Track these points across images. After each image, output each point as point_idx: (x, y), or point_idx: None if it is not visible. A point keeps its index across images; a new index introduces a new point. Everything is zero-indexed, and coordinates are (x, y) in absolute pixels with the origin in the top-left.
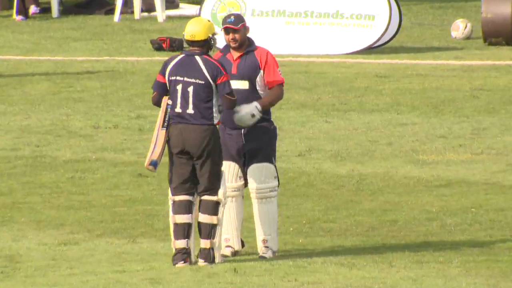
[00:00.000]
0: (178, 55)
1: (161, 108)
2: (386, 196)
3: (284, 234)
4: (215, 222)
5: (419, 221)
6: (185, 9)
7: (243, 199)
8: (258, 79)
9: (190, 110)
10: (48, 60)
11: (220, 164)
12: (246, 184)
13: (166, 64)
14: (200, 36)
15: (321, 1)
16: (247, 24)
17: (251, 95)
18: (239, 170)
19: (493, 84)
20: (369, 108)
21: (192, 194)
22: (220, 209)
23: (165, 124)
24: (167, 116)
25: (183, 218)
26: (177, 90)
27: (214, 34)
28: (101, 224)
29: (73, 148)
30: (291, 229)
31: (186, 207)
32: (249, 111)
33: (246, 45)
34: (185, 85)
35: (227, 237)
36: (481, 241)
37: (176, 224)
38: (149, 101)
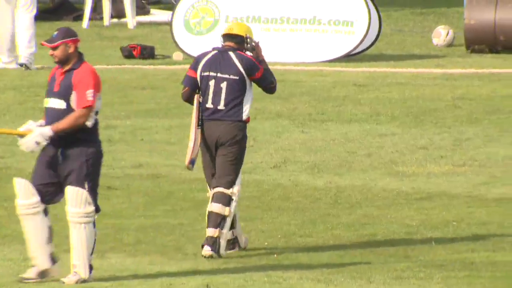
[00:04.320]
0: (211, 51)
1: (194, 106)
2: (364, 209)
3: (258, 249)
4: (227, 213)
5: (398, 235)
6: (156, 15)
7: (44, 215)
8: (71, 99)
9: (221, 106)
10: (13, 68)
11: (242, 162)
12: (48, 200)
13: (198, 59)
14: (237, 31)
15: (298, 6)
16: (73, 41)
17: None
18: (31, 187)
19: (476, 93)
20: (347, 118)
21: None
22: (233, 203)
23: (200, 122)
24: (200, 114)
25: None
26: (209, 86)
27: (251, 38)
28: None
29: None
30: (266, 243)
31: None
32: (34, 137)
33: (73, 62)
34: (218, 80)
35: (34, 255)
36: (463, 256)
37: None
38: (118, 111)
